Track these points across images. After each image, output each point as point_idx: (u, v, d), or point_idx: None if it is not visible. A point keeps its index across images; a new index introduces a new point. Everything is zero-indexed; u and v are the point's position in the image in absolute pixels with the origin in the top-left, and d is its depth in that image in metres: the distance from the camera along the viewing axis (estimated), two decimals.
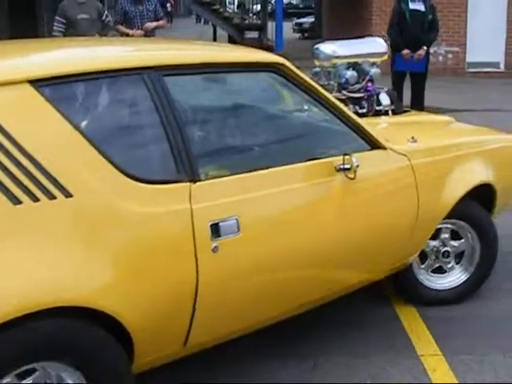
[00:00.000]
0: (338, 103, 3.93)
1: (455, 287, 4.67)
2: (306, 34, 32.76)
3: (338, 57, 7.81)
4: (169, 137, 3.13)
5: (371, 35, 17.78)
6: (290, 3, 46.42)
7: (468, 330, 4.39)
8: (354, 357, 4.05)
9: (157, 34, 10.57)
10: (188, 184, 3.11)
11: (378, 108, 7.69)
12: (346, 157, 3.60)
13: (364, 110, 7.66)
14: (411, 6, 9.81)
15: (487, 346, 4.20)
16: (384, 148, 3.99)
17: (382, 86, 8.13)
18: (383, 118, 7.02)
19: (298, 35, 33.76)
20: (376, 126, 4.88)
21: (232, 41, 22.50)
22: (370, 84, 7.90)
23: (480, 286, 4.78)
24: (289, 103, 4.10)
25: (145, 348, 3.03)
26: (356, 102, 7.74)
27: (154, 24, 10.40)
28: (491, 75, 17.56)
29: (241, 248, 3.23)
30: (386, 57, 8.32)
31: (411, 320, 4.49)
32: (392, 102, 7.95)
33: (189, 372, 3.82)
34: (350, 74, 7.84)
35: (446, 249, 4.61)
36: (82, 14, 9.76)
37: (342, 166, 3.62)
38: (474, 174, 4.56)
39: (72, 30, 9.65)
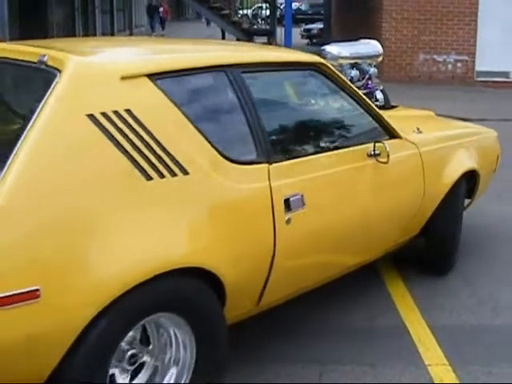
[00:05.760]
0: (365, 98, 4.54)
1: None
2: (314, 40, 32.73)
3: (343, 57, 8.63)
4: (250, 125, 3.63)
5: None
6: (298, 9, 46.37)
7: (477, 341, 4.37)
8: (361, 365, 4.02)
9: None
10: (266, 165, 3.61)
11: (375, 104, 8.35)
12: (378, 144, 4.21)
13: None
14: None
15: (496, 357, 4.17)
16: (400, 138, 4.61)
17: (378, 84, 8.96)
18: (386, 112, 7.35)
19: (306, 41, 33.74)
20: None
21: None
22: (370, 82, 8.77)
23: None
24: (329, 98, 4.60)
25: (230, 304, 3.46)
26: None
27: None
28: (500, 85, 17.50)
29: (306, 220, 3.73)
30: (381, 58, 9.13)
31: (419, 330, 4.47)
32: (384, 99, 8.83)
33: None
34: (355, 72, 8.73)
35: None
36: None
37: (372, 152, 4.20)
38: (466, 161, 5.29)
39: None
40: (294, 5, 36.97)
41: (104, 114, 3.01)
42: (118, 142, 3.01)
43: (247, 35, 21.31)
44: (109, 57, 3.57)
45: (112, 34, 31.47)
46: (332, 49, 8.76)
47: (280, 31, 22.01)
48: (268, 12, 25.49)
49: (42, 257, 2.72)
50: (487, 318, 4.68)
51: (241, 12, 28.24)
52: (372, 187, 4.35)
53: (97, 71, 3.17)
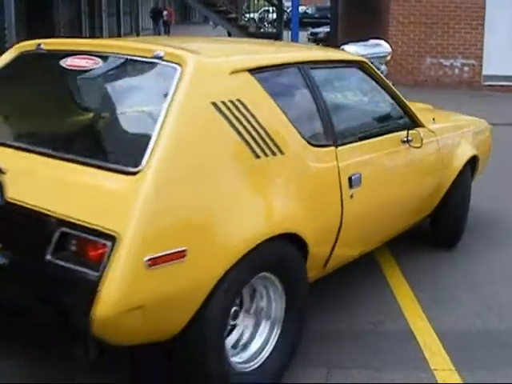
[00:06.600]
0: (397, 92, 5.17)
1: None
2: (320, 44, 32.78)
3: (359, 56, 9.09)
4: (320, 112, 4.21)
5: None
6: (305, 13, 46.43)
7: (483, 346, 4.36)
8: (367, 369, 4.01)
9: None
10: (334, 148, 4.16)
11: None
12: (411, 131, 4.84)
13: None
14: None
15: (502, 361, 4.17)
16: (423, 126, 5.20)
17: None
18: None
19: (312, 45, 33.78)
20: None
21: None
22: None
23: None
24: (370, 91, 5.15)
25: (308, 267, 3.93)
26: None
27: None
28: (507, 89, 17.46)
29: (362, 196, 4.26)
30: (389, 57, 9.97)
31: (425, 334, 4.45)
32: None
33: None
34: None
35: None
36: None
37: (405, 138, 4.81)
38: (470, 148, 5.99)
39: None
40: (301, 8, 36.98)
41: (223, 103, 3.51)
42: (234, 127, 3.52)
43: (254, 38, 21.30)
44: (217, 54, 4.03)
45: (119, 37, 31.52)
46: (350, 48, 9.30)
47: (287, 35, 22.02)
48: (274, 15, 25.49)
49: (188, 222, 3.20)
50: (493, 322, 4.67)
51: (247, 16, 28.23)
52: (406, 168, 5.02)
53: (212, 66, 3.70)
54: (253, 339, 3.75)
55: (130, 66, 3.86)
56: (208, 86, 3.55)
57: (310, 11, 48.95)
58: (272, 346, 3.76)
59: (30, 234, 3.28)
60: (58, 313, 3.13)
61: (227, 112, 3.50)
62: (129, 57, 3.77)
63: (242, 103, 3.61)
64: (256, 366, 3.69)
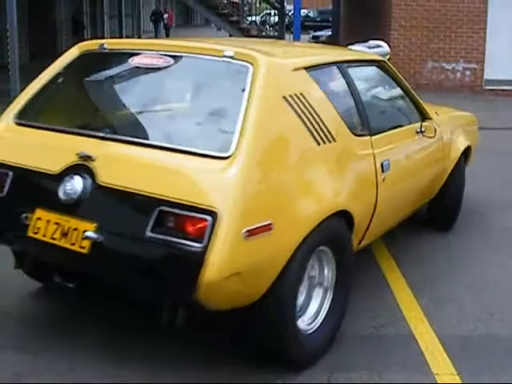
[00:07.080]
0: (409, 87, 5.78)
1: None
2: None
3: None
4: (357, 105, 4.75)
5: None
6: (307, 16, 46.45)
7: (484, 350, 4.35)
8: (368, 373, 4.01)
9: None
10: (369, 137, 4.69)
11: None
12: (424, 123, 5.54)
13: None
14: None
15: (504, 366, 4.16)
16: (431, 119, 5.83)
17: None
18: None
19: None
20: None
21: None
22: None
23: None
24: (390, 87, 5.73)
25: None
26: None
27: None
28: (509, 93, 17.44)
29: (391, 179, 4.81)
30: (388, 56, 10.21)
31: (426, 339, 4.45)
32: None
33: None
34: None
35: None
36: None
37: (419, 129, 5.45)
38: (465, 139, 6.66)
39: None
40: (303, 12, 37.02)
41: (290, 96, 3.97)
42: (300, 117, 3.98)
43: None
44: (279, 55, 4.47)
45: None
46: (355, 48, 9.81)
47: (288, 38, 22.03)
48: (276, 19, 25.49)
49: (272, 199, 3.62)
50: (495, 327, 4.66)
51: (249, 19, 28.20)
52: (420, 156, 5.63)
53: (279, 65, 4.19)
54: (309, 304, 4.15)
55: (201, 64, 4.20)
56: (278, 81, 4.01)
57: (311, 14, 48.95)
58: (326, 310, 4.19)
59: (126, 214, 3.66)
60: (157, 283, 3.50)
61: (294, 104, 3.97)
62: (199, 55, 4.19)
63: (303, 96, 4.07)
64: (315, 327, 4.11)
